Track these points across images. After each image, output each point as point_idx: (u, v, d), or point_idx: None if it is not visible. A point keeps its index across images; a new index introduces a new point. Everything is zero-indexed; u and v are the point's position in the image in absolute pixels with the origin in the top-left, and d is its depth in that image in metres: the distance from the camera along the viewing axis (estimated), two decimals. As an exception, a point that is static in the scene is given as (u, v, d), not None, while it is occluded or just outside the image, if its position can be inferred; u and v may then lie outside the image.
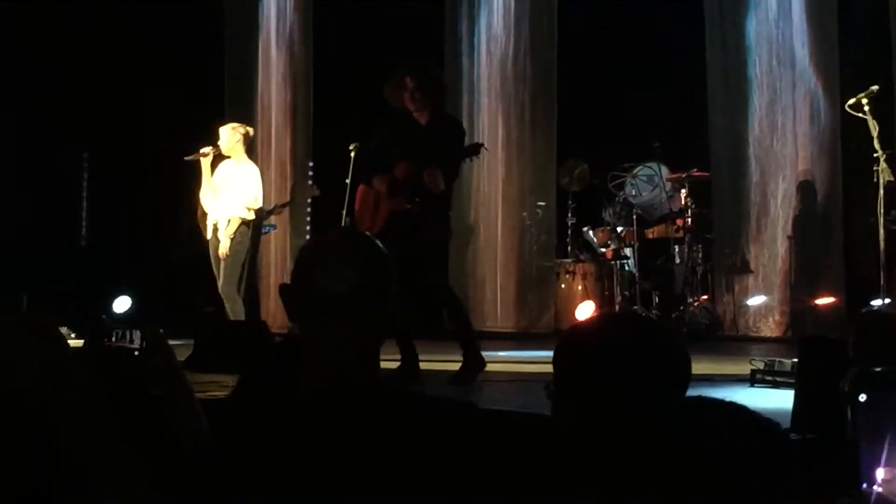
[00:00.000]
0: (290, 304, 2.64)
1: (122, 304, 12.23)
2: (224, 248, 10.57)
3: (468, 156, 8.24)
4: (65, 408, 2.44)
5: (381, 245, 2.64)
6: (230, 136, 10.74)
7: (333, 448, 2.35)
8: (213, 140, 10.77)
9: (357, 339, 2.56)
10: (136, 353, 3.62)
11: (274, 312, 13.12)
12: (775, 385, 6.95)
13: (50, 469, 2.44)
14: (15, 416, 2.43)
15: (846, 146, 11.54)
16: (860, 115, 9.12)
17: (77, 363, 2.57)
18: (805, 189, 11.86)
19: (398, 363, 8.09)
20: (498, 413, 5.87)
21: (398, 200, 8.09)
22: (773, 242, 12.04)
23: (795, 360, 6.44)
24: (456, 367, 8.19)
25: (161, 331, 3.37)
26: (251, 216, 10.80)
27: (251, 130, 11.14)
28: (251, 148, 11.32)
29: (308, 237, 13.71)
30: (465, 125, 12.81)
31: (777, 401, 5.98)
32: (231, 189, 10.66)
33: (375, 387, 2.55)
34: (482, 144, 8.53)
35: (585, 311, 12.17)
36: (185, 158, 10.90)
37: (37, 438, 2.43)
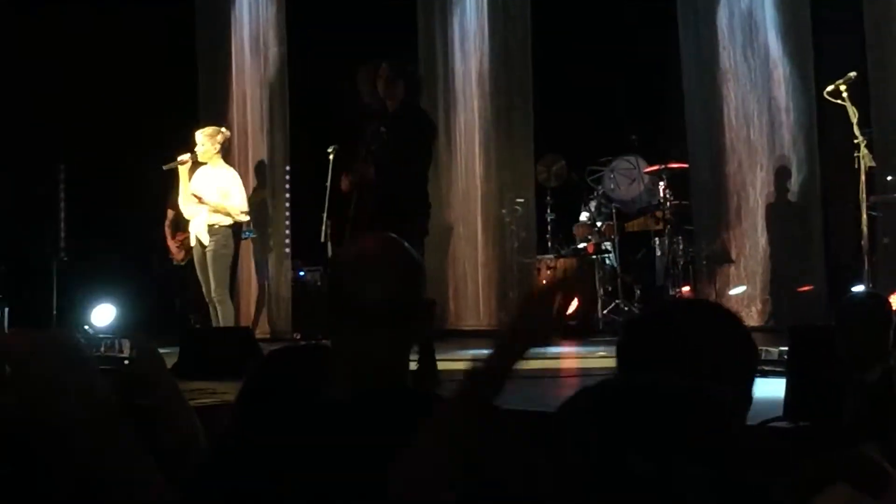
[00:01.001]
0: (326, 311, 2.62)
1: (103, 314, 12.18)
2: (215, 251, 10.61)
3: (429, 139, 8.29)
4: (89, 420, 2.43)
5: (414, 252, 2.64)
6: (209, 142, 10.72)
7: (366, 451, 2.33)
8: (189, 146, 10.75)
9: (390, 345, 2.55)
10: (126, 361, 3.60)
11: (251, 317, 13.18)
12: (763, 374, 6.95)
13: (74, 479, 2.44)
14: (42, 428, 2.44)
15: (822, 134, 11.56)
16: (839, 101, 9.13)
17: (99, 376, 2.58)
18: (783, 177, 11.87)
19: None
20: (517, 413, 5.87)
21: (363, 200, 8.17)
22: (752, 232, 12.05)
23: (782, 348, 6.45)
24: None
25: (150, 338, 3.35)
26: (246, 219, 10.85)
27: (228, 133, 11.13)
28: (227, 152, 11.31)
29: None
30: (440, 123, 12.86)
31: (766, 390, 5.97)
32: (218, 196, 10.64)
33: (405, 390, 2.55)
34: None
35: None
36: (164, 167, 10.88)
37: (62, 449, 2.43)
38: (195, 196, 10.65)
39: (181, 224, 12.11)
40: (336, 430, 2.42)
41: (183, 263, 12.29)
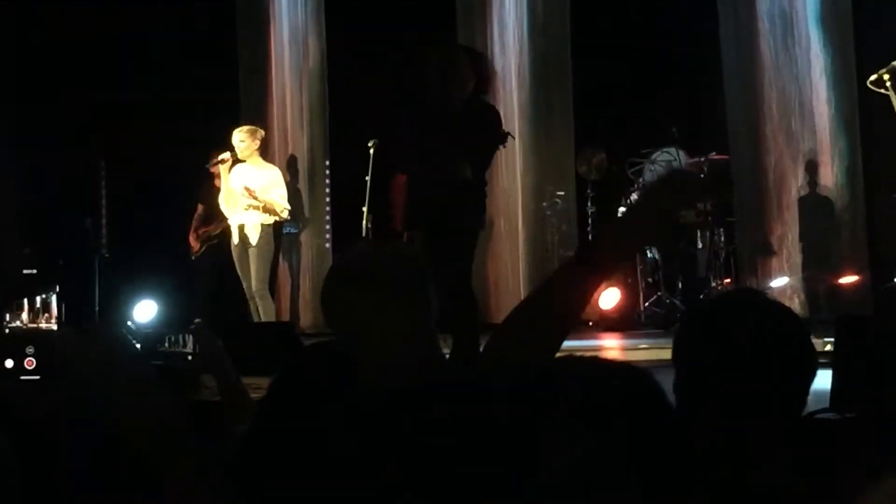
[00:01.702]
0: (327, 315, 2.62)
1: (145, 310, 12.24)
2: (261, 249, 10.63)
3: (498, 143, 8.00)
4: (148, 419, 2.44)
5: (406, 248, 2.66)
6: (248, 141, 10.72)
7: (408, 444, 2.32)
8: (228, 143, 10.77)
9: (401, 338, 2.54)
10: (190, 357, 3.64)
11: (292, 312, 13.22)
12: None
13: (133, 477, 2.45)
14: (101, 430, 2.44)
15: (864, 123, 11.49)
16: (882, 90, 9.07)
17: (153, 373, 2.59)
18: (825, 168, 11.81)
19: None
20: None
21: (422, 188, 7.95)
22: (794, 223, 12.00)
23: (828, 339, 6.40)
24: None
25: (214, 335, 3.37)
26: (286, 216, 10.87)
27: (263, 133, 11.15)
28: (266, 148, 11.34)
29: (328, 242, 13.72)
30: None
31: (815, 381, 5.93)
32: (260, 193, 10.66)
33: (437, 381, 2.53)
34: (508, 133, 8.32)
35: (610, 298, 12.15)
36: (206, 167, 10.91)
37: (121, 449, 2.43)
38: (247, 190, 10.64)
39: (210, 220, 12.17)
40: (367, 439, 2.40)
41: (196, 256, 12.35)
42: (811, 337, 2.45)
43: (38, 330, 10.70)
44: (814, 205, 11.89)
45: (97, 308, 12.29)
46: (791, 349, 2.38)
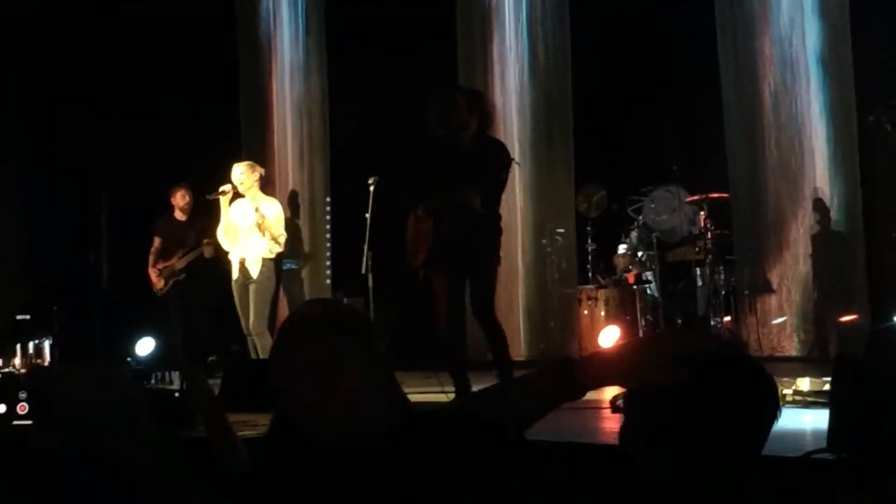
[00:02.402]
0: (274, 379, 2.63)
1: (145, 346, 12.24)
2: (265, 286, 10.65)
3: (503, 172, 8.08)
4: (137, 446, 2.46)
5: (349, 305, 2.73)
6: (248, 175, 10.72)
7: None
8: (228, 178, 10.78)
9: (353, 394, 2.55)
10: (177, 394, 3.66)
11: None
12: (805, 405, 6.91)
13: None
14: (94, 455, 2.46)
15: (864, 162, 11.51)
16: (882, 129, 9.09)
17: (149, 410, 2.61)
18: (824, 206, 11.82)
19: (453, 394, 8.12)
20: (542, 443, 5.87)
21: (443, 228, 8.05)
22: (794, 261, 12.00)
23: (825, 378, 6.40)
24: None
25: (201, 372, 3.39)
26: (282, 241, 10.86)
27: (262, 170, 11.16)
28: (267, 184, 11.37)
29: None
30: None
31: (808, 421, 5.94)
32: (260, 227, 10.66)
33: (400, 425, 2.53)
34: (513, 159, 8.43)
35: (609, 336, 12.14)
36: (207, 197, 10.91)
37: (114, 474, 2.45)
38: (259, 215, 10.64)
39: (168, 254, 12.23)
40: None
41: (163, 293, 12.36)
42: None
43: (31, 374, 10.74)
44: (814, 243, 11.89)
45: (97, 344, 12.29)
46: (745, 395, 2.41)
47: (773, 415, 2.43)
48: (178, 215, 12.54)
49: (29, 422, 4.23)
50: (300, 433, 2.55)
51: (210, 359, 11.79)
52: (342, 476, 2.38)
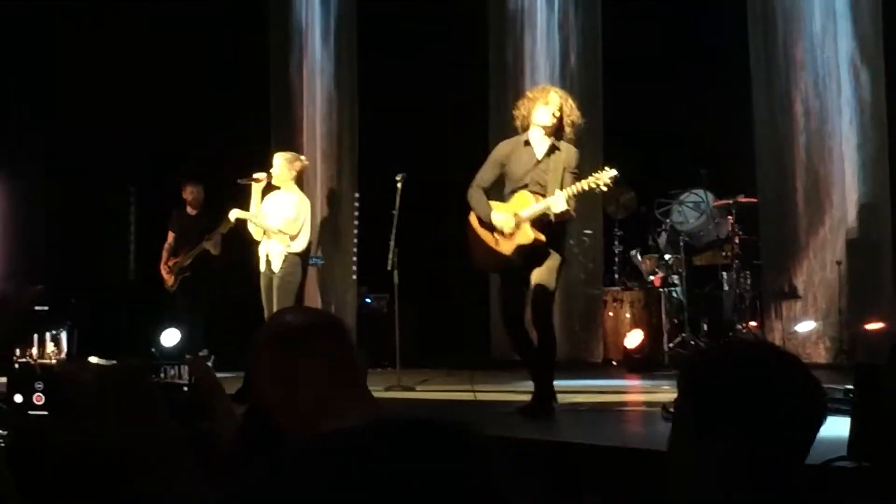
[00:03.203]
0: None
1: (170, 337, 12.27)
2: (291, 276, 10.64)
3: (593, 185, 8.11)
4: (150, 447, 2.49)
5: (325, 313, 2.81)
6: (288, 168, 10.63)
7: None
8: (265, 168, 10.74)
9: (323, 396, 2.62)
10: (185, 388, 3.68)
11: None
12: (830, 413, 6.87)
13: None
14: (108, 454, 2.49)
15: (894, 169, 11.46)
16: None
17: (163, 406, 2.67)
18: (853, 213, 11.76)
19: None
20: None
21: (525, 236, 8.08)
22: (821, 268, 11.94)
23: (849, 386, 6.38)
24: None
25: (209, 365, 3.43)
26: (305, 247, 10.82)
27: (306, 163, 11.11)
28: (299, 179, 11.37)
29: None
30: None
31: (832, 428, 5.91)
32: (286, 220, 10.63)
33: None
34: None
35: (634, 339, 12.14)
36: (238, 181, 10.87)
37: (122, 472, 2.48)
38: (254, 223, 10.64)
39: (179, 250, 12.24)
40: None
41: (173, 289, 12.35)
42: (821, 390, 2.45)
43: (48, 365, 10.81)
44: (841, 250, 11.84)
45: (121, 335, 12.35)
46: (796, 400, 2.38)
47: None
48: (189, 210, 12.56)
49: (45, 412, 4.27)
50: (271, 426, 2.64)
51: (201, 353, 11.78)
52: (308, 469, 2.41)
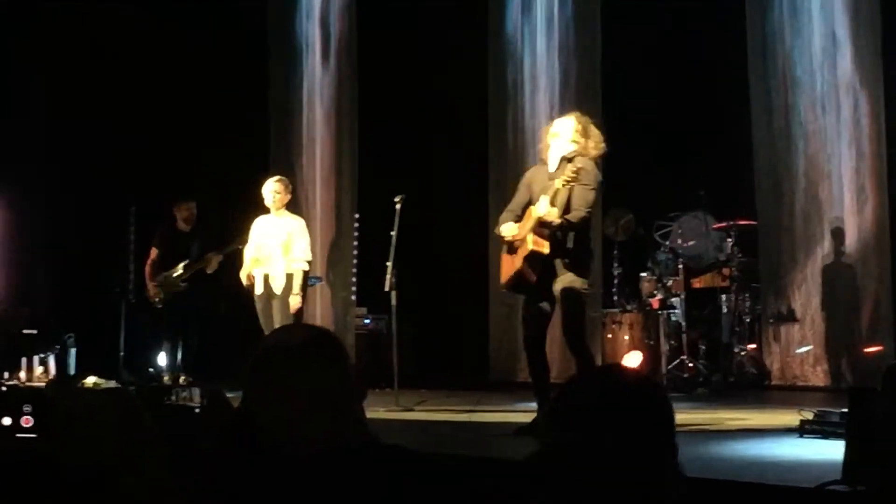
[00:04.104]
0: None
1: (161, 357, 12.29)
2: (297, 301, 10.67)
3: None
4: (140, 472, 2.50)
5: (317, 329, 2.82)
6: (283, 193, 10.82)
7: None
8: (258, 189, 10.85)
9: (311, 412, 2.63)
10: (197, 411, 3.70)
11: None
12: (825, 436, 6.88)
13: None
14: (97, 476, 2.51)
15: (893, 192, 11.47)
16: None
17: (153, 431, 2.68)
18: (852, 237, 11.77)
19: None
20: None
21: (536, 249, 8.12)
22: (819, 290, 11.95)
23: (845, 410, 6.38)
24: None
25: (222, 389, 3.45)
26: (308, 268, 10.90)
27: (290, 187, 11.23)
28: (295, 200, 11.43)
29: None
30: (510, 173, 12.95)
31: (828, 452, 5.92)
32: (285, 243, 10.74)
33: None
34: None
35: (632, 360, 12.12)
36: (226, 251, 11.17)
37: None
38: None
39: (165, 265, 12.19)
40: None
41: (160, 306, 12.29)
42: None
43: (36, 388, 10.86)
44: (839, 273, 11.84)
45: (122, 353, 12.35)
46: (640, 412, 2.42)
47: None
48: (181, 226, 12.49)
49: (33, 434, 4.27)
50: (261, 441, 2.65)
51: (181, 378, 11.79)
52: (296, 486, 2.44)
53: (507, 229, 8.28)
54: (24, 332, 12.55)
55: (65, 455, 2.57)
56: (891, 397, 4.51)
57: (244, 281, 10.92)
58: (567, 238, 8.13)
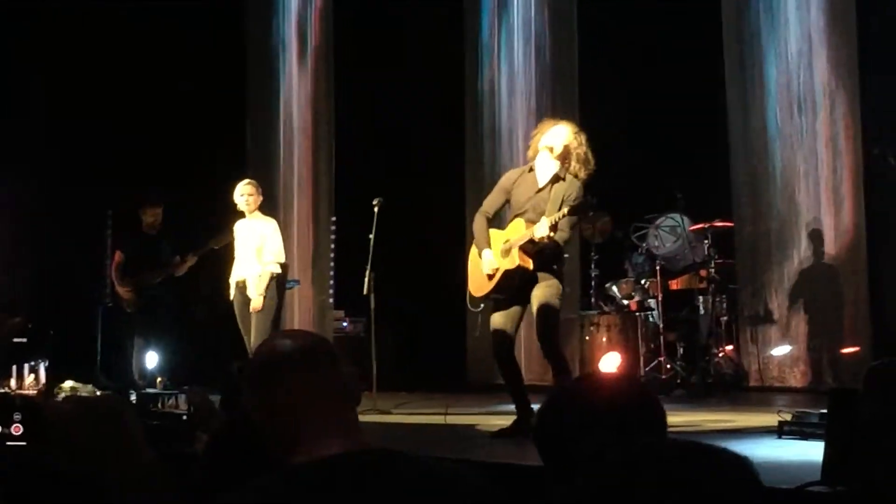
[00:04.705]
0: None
1: (150, 360, 12.23)
2: (257, 303, 10.60)
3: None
4: (127, 477, 2.51)
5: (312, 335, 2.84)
6: (255, 196, 10.79)
7: None
8: (230, 196, 10.84)
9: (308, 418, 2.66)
10: (184, 417, 3.72)
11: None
12: (804, 437, 6.89)
13: None
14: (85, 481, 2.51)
15: (868, 193, 11.50)
16: (889, 160, 9.10)
17: (140, 438, 2.70)
18: (828, 237, 11.80)
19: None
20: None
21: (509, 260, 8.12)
22: (796, 292, 11.98)
23: (824, 410, 6.40)
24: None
25: (207, 395, 3.46)
26: (279, 270, 10.85)
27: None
28: (273, 203, 11.41)
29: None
30: (487, 176, 12.96)
31: (807, 453, 5.93)
32: (258, 246, 10.72)
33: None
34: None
35: (610, 362, 12.14)
36: (213, 247, 11.11)
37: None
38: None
39: (133, 269, 12.04)
40: None
41: (131, 310, 12.15)
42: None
43: (26, 397, 10.82)
44: (816, 274, 11.88)
45: (98, 358, 12.29)
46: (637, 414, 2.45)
47: None
48: (147, 229, 12.29)
49: (23, 443, 4.27)
50: (253, 445, 2.68)
51: (159, 379, 11.75)
52: (293, 491, 2.44)
53: (488, 265, 8.25)
54: (14, 340, 12.47)
55: (55, 460, 2.58)
56: (874, 398, 4.52)
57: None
58: (554, 255, 8.15)
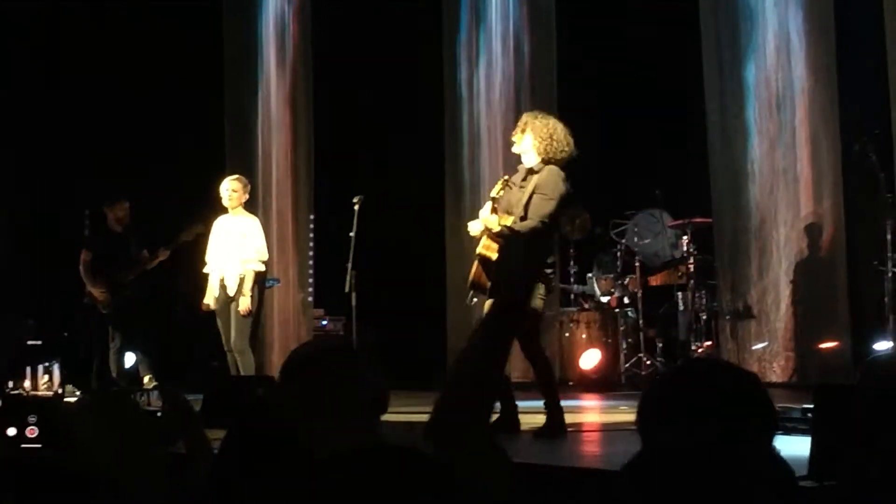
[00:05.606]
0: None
1: (126, 361, 12.19)
2: (245, 304, 10.55)
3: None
4: (134, 470, 2.54)
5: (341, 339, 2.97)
6: (240, 191, 10.74)
7: None
8: (215, 193, 10.81)
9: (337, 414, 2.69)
10: (159, 415, 3.73)
11: (277, 365, 13.09)
12: (787, 432, 6.91)
13: None
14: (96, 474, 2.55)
15: (848, 190, 11.54)
16: (865, 158, 9.14)
17: (148, 432, 2.76)
18: (807, 233, 11.83)
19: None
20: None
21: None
22: (776, 287, 12.00)
23: (806, 405, 6.42)
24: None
25: (182, 394, 3.47)
26: (262, 268, 10.84)
27: (249, 185, 11.17)
28: (253, 201, 11.38)
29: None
30: (466, 176, 12.97)
31: (790, 448, 5.94)
32: (240, 244, 10.68)
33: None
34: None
35: (590, 359, 12.17)
36: (184, 239, 11.05)
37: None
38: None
39: (103, 268, 11.92)
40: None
41: (107, 311, 12.04)
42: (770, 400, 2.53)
43: (41, 398, 10.76)
44: (796, 269, 11.90)
45: (95, 363, 12.20)
46: (749, 411, 2.45)
47: None
48: (114, 227, 12.14)
49: (38, 444, 4.28)
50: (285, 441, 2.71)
51: (146, 377, 11.72)
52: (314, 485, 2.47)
53: (473, 226, 8.33)
54: (28, 342, 12.37)
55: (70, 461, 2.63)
56: (870, 391, 4.53)
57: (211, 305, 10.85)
58: (519, 245, 8.13)
